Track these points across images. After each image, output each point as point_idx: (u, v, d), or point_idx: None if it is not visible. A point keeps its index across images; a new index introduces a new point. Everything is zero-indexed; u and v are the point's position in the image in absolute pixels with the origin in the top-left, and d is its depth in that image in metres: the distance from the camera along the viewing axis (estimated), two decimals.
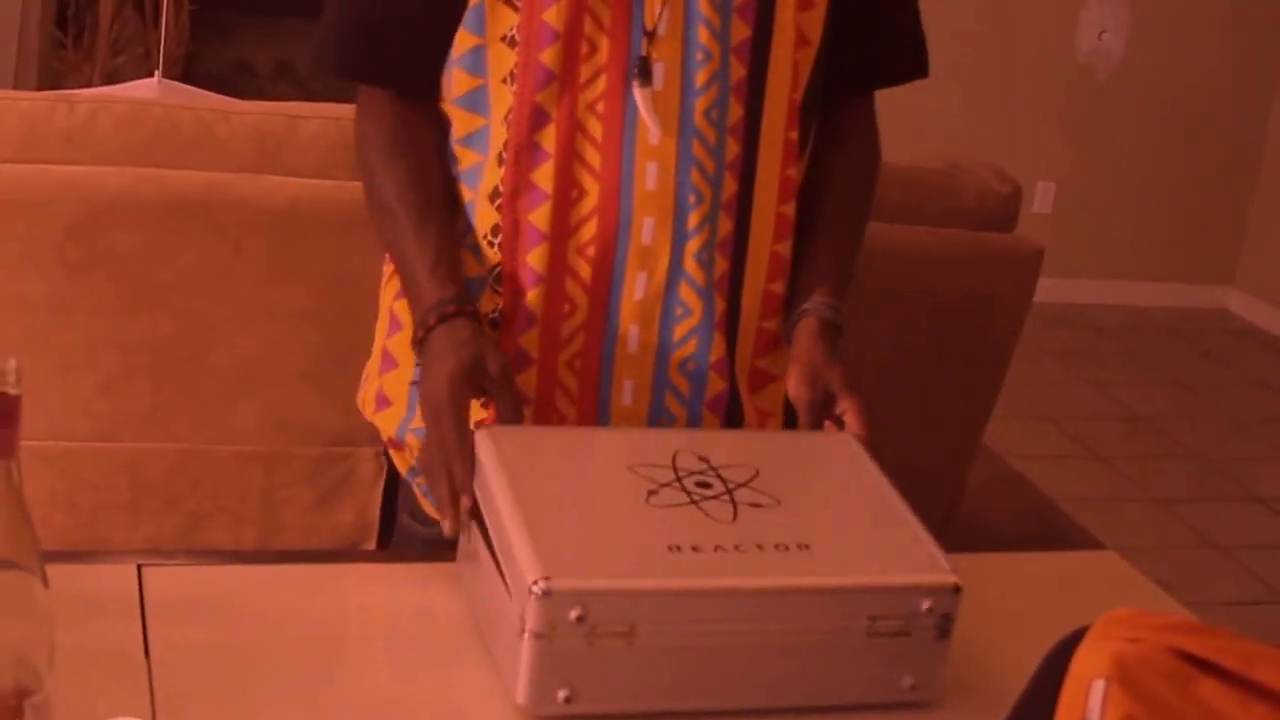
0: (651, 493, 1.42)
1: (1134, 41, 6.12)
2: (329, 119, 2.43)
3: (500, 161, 1.62)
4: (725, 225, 1.64)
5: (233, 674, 1.37)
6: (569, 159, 1.60)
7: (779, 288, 1.69)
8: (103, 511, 2.44)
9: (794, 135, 1.66)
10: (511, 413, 1.54)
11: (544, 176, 1.60)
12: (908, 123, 5.26)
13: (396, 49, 1.66)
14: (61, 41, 5.21)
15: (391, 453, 1.78)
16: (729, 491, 1.44)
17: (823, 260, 1.70)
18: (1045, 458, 4.68)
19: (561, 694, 1.32)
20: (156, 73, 3.05)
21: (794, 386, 1.61)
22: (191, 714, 1.30)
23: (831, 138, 1.74)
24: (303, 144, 2.42)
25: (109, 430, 2.41)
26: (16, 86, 4.69)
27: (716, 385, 1.67)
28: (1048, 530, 2.87)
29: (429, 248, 1.61)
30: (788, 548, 1.38)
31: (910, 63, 1.78)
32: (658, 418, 1.67)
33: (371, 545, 2.51)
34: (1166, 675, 1.02)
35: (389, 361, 1.74)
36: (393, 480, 1.86)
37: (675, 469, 1.46)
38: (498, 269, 1.64)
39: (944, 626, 1.39)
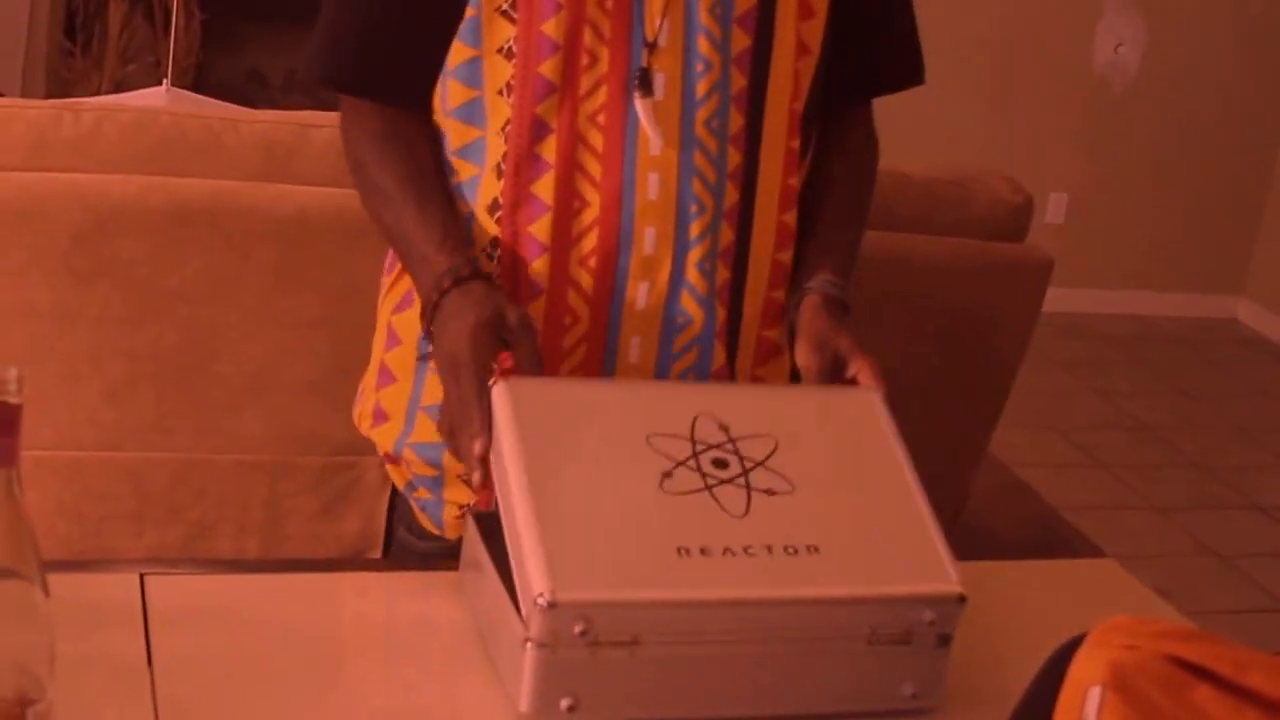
0: (666, 475, 1.41)
1: (1150, 55, 6.12)
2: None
3: (498, 174, 1.61)
4: (727, 234, 1.64)
5: (236, 683, 1.37)
6: (570, 170, 1.59)
7: (780, 296, 1.69)
8: (108, 521, 2.43)
9: (795, 144, 1.66)
10: (532, 360, 1.51)
11: (545, 188, 1.60)
12: (924, 132, 5.30)
13: (389, 61, 1.65)
14: (70, 50, 5.18)
15: (389, 468, 1.77)
16: (745, 473, 1.43)
17: (825, 249, 1.69)
18: (1050, 466, 4.67)
19: (564, 702, 1.32)
20: (165, 81, 3.04)
21: (802, 355, 1.59)
22: None
23: (831, 144, 1.74)
24: (314, 153, 2.41)
25: (114, 439, 2.40)
26: (24, 94, 4.69)
27: None
28: (1050, 538, 2.86)
29: (434, 222, 1.58)
30: (796, 550, 1.38)
31: (908, 70, 1.79)
32: None
33: (377, 554, 2.49)
34: (1162, 682, 1.02)
35: (386, 376, 1.73)
36: (390, 495, 1.85)
37: (693, 441, 1.44)
38: (498, 281, 1.63)
39: (945, 635, 1.39)
